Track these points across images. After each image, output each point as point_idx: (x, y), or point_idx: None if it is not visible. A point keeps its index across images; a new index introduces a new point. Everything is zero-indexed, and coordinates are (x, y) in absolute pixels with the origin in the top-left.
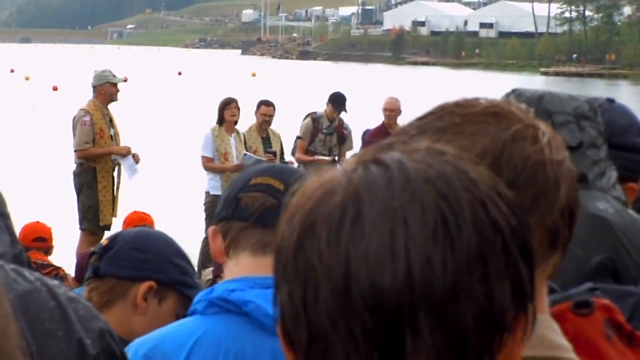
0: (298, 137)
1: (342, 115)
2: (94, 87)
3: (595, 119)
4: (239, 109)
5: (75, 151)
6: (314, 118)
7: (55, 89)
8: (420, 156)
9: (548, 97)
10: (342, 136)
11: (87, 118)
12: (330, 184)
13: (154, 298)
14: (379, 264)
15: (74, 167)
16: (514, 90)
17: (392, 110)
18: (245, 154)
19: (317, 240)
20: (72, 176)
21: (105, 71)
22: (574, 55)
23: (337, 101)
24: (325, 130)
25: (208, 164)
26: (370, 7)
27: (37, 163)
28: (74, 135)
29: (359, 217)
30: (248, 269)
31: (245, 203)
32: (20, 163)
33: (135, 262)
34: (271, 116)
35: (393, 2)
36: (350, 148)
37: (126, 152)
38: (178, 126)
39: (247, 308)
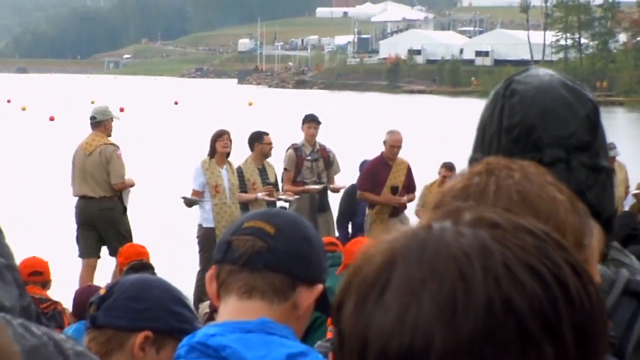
0: (284, 170)
1: (326, 142)
2: (100, 121)
3: (593, 144)
4: (231, 140)
5: (115, 184)
6: (296, 148)
7: (51, 119)
8: (461, 228)
9: (540, 119)
10: (327, 160)
11: (120, 152)
12: (383, 246)
13: (151, 347)
14: (389, 334)
15: (83, 199)
16: (511, 82)
17: (397, 147)
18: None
19: (349, 303)
20: (96, 211)
21: (108, 107)
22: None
23: (309, 117)
24: (310, 157)
25: (196, 197)
26: (366, 36)
27: (35, 194)
28: (106, 169)
29: (387, 285)
30: (234, 313)
31: (236, 246)
32: (17, 194)
33: (132, 312)
34: (271, 144)
35: (389, 31)
36: (338, 171)
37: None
38: (174, 156)
39: (224, 353)
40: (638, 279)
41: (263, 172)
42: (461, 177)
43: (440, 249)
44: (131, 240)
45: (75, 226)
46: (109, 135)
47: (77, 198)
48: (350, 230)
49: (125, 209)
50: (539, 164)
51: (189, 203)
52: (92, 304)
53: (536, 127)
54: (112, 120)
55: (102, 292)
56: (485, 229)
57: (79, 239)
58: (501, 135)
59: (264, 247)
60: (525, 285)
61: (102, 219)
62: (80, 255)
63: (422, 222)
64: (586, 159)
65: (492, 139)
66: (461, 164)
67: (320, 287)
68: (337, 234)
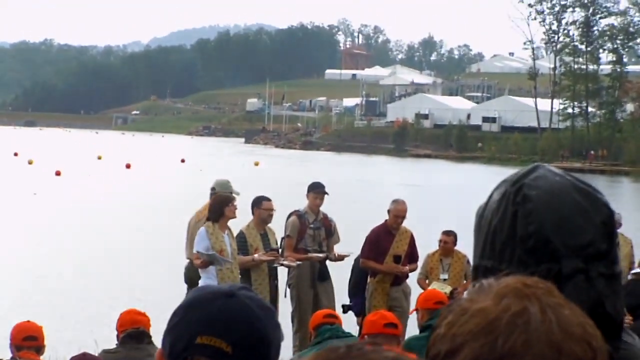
0: (287, 237)
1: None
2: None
3: (611, 251)
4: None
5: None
6: (299, 215)
7: (58, 173)
8: None
9: (557, 228)
10: (329, 229)
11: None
12: None
13: None
14: None
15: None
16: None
17: (401, 217)
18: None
19: None
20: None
21: (229, 182)
22: (589, 152)
23: (315, 186)
24: (313, 225)
25: (197, 261)
26: (374, 99)
27: (39, 249)
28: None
29: None
30: None
31: None
32: (22, 249)
33: None
34: (273, 210)
35: (397, 94)
36: (338, 241)
37: None
38: (178, 216)
39: None
40: None
41: (265, 237)
42: (499, 297)
43: None
44: None
45: None
46: None
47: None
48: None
49: None
50: (558, 276)
51: (206, 262)
52: None
53: (553, 237)
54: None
55: None
56: None
57: None
58: (515, 244)
59: None
60: None
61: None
62: None
63: None
64: (604, 268)
65: (504, 247)
66: (462, 231)
67: None
68: (349, 302)
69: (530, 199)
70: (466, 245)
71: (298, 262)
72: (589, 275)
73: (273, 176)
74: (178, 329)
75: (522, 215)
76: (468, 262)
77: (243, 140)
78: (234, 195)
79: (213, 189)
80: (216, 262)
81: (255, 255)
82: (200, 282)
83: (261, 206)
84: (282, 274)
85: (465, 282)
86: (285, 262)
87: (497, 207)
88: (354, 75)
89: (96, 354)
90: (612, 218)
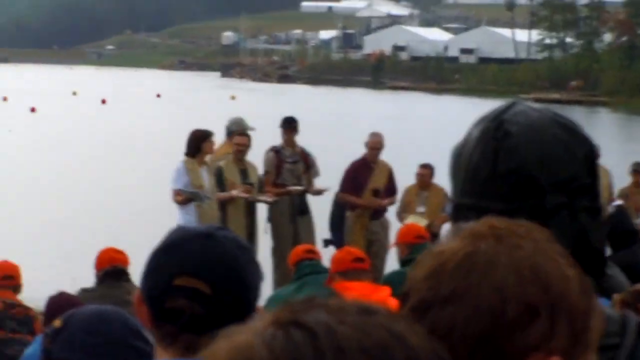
0: (265, 172)
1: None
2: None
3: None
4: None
5: None
6: (276, 150)
7: (33, 110)
8: (351, 319)
9: (539, 164)
10: (307, 163)
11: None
12: (245, 353)
13: None
14: None
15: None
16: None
17: (377, 149)
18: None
19: None
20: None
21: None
22: (567, 83)
23: (287, 121)
24: (290, 160)
25: (178, 197)
26: (350, 31)
27: (15, 187)
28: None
29: None
30: None
31: (170, 309)
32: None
33: (88, 347)
34: (245, 146)
35: (373, 26)
36: (318, 175)
37: None
38: (155, 152)
39: None
40: None
41: (244, 172)
42: (461, 239)
43: (342, 346)
44: None
45: None
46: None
47: None
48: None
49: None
50: (542, 211)
51: (187, 199)
52: (47, 336)
53: (535, 172)
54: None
55: (57, 323)
56: (367, 319)
57: None
58: (497, 180)
59: (203, 313)
60: None
61: None
62: None
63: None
64: (588, 203)
65: (486, 183)
66: (440, 164)
67: (261, 312)
68: (330, 237)
69: (511, 135)
70: (444, 179)
71: (275, 198)
72: (573, 209)
73: (250, 110)
74: (155, 271)
75: (503, 151)
76: (446, 195)
77: (219, 74)
78: (247, 131)
79: (229, 127)
80: (197, 199)
81: (234, 191)
82: (178, 218)
83: (232, 140)
84: (262, 209)
85: (443, 214)
86: (261, 198)
87: (477, 143)
88: (330, 7)
89: (74, 293)
90: (594, 152)
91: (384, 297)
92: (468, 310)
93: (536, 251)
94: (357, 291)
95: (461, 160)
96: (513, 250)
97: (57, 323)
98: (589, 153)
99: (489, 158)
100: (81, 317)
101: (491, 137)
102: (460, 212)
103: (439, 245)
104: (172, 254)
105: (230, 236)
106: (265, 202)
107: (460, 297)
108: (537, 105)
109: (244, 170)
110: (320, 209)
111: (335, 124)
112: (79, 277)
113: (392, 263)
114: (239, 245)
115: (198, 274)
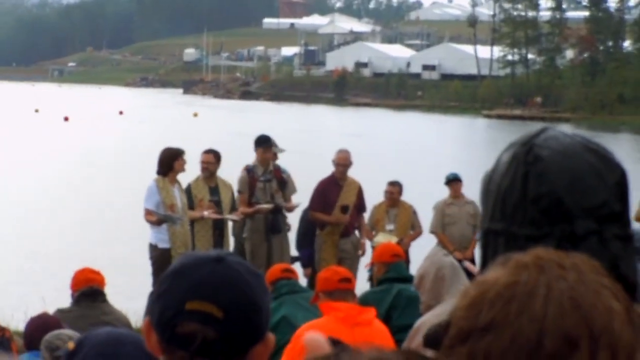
0: (238, 192)
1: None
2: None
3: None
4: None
5: None
6: (248, 169)
7: None
8: None
9: (570, 188)
10: (281, 180)
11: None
12: None
13: None
14: None
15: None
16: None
17: (345, 165)
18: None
19: None
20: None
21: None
22: (528, 99)
23: (263, 140)
24: (263, 178)
25: (149, 217)
26: (312, 48)
27: None
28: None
29: None
30: None
31: (181, 333)
32: None
33: None
34: (210, 163)
35: (336, 42)
36: (294, 191)
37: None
38: (121, 170)
39: None
40: None
41: (215, 190)
42: (505, 269)
43: None
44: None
45: None
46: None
47: None
48: None
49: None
50: (572, 237)
51: (161, 220)
52: (60, 359)
53: (565, 197)
54: None
55: (70, 346)
56: None
57: None
58: (526, 205)
59: (216, 337)
60: None
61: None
62: None
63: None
64: (618, 230)
65: (516, 208)
66: (406, 179)
67: (271, 337)
68: (297, 254)
69: (542, 159)
70: (411, 196)
71: (241, 217)
72: (602, 236)
73: (212, 127)
74: (166, 296)
75: (533, 175)
76: (414, 212)
77: (181, 91)
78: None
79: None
80: (170, 221)
81: (205, 212)
82: (151, 237)
83: (201, 158)
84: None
85: (411, 232)
86: (229, 217)
87: (507, 168)
88: (292, 24)
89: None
90: (625, 179)
91: (370, 319)
92: (505, 341)
93: (579, 282)
94: (343, 312)
95: (491, 185)
96: (554, 281)
97: (70, 346)
98: (620, 180)
99: (519, 182)
100: (95, 340)
101: (522, 161)
102: (490, 237)
103: (484, 274)
104: (183, 278)
105: (241, 261)
106: (232, 220)
107: (498, 327)
108: (568, 131)
109: (214, 187)
110: (289, 226)
111: (300, 141)
112: (48, 297)
113: (360, 282)
114: (249, 270)
115: (210, 298)
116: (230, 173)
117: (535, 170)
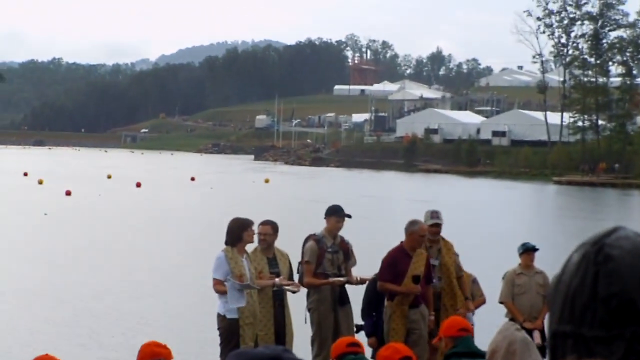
0: (305, 262)
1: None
2: None
3: None
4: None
5: None
6: (317, 239)
7: (68, 193)
8: None
9: (639, 287)
10: (347, 252)
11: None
12: None
13: None
14: None
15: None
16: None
17: (424, 236)
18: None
19: None
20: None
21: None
22: (597, 165)
23: (336, 210)
24: (331, 249)
25: (218, 287)
26: (383, 114)
27: (53, 269)
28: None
29: None
30: None
31: None
32: (36, 270)
33: None
34: (268, 234)
35: (406, 109)
36: (355, 264)
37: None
38: (189, 238)
39: None
40: None
41: (273, 260)
42: None
43: None
44: None
45: None
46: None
47: None
48: None
49: None
50: None
51: (242, 289)
52: None
53: (637, 298)
54: None
55: None
56: None
57: None
58: (596, 305)
59: None
60: None
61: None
62: None
63: None
64: None
65: (585, 309)
66: (477, 247)
67: None
68: (361, 323)
69: (613, 259)
70: (473, 264)
71: (299, 288)
72: None
73: (283, 193)
74: None
75: (604, 275)
76: (473, 281)
77: (252, 157)
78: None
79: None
80: (248, 289)
81: (276, 279)
82: (219, 308)
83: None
84: (301, 298)
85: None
86: (288, 288)
87: (577, 268)
88: (362, 90)
89: None
90: None
91: None
92: None
93: None
94: None
95: (560, 286)
96: None
97: None
98: None
99: (589, 282)
100: None
101: (592, 261)
102: (558, 340)
103: None
104: None
105: (296, 358)
106: (292, 291)
107: None
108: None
109: (272, 258)
110: (355, 296)
111: (368, 207)
112: None
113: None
114: None
115: None
116: (298, 237)
117: (605, 269)
